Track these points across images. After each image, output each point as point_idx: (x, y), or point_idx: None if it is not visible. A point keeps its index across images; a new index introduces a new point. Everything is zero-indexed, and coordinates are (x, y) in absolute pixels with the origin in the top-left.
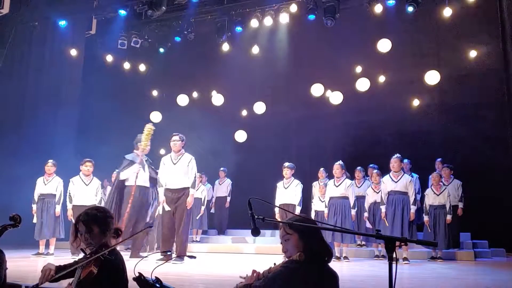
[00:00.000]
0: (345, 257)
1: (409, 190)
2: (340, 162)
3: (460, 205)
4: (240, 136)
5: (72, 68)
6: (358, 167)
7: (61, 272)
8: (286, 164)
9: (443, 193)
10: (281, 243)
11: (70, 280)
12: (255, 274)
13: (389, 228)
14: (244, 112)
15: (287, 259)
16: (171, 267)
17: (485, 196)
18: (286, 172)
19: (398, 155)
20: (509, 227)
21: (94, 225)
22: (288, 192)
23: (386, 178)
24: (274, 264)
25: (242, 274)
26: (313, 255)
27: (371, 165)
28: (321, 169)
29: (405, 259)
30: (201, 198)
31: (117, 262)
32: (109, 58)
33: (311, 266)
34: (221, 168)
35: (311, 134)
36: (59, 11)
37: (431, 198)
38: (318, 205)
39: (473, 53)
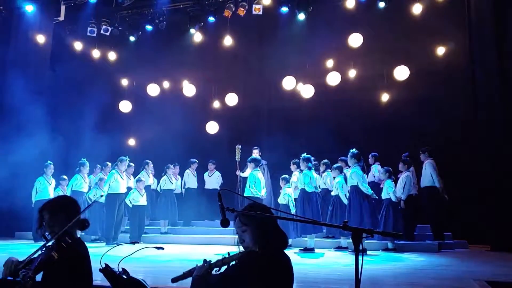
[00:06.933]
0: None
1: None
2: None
3: (403, 197)
4: (212, 127)
5: (39, 55)
6: (324, 160)
7: (23, 263)
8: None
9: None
10: (237, 233)
11: None
12: (206, 265)
13: None
14: (216, 104)
15: (243, 250)
16: (139, 259)
17: (450, 190)
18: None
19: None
20: (472, 219)
21: (58, 211)
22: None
23: None
24: (228, 254)
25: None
26: (270, 244)
27: None
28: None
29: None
30: (173, 190)
31: (79, 250)
32: (78, 45)
33: (267, 257)
34: (210, 161)
35: (283, 126)
36: None
37: None
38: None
39: (441, 50)
